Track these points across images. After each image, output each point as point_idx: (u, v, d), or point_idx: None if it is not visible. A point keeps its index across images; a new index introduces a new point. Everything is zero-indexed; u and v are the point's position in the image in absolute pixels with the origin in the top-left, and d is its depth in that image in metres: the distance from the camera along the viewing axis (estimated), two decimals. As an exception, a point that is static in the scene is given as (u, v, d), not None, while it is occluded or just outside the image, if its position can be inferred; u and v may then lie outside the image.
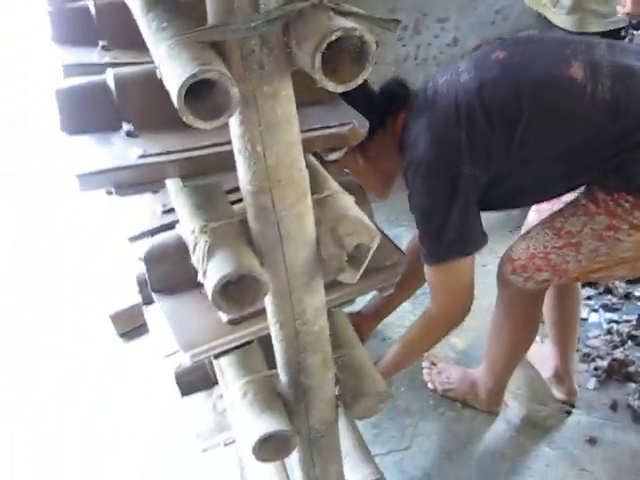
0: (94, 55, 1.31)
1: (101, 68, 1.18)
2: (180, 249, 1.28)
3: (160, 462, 2.10)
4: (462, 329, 2.08)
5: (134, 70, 1.11)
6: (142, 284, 1.58)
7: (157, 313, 1.52)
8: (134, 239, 1.38)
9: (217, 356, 1.15)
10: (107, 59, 1.27)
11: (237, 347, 1.16)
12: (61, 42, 1.38)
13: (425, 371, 2.24)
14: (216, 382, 1.86)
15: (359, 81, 0.79)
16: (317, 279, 0.99)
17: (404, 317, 2.47)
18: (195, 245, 0.95)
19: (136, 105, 1.07)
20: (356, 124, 1.14)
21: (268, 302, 0.99)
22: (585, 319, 2.47)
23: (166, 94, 1.07)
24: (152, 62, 1.14)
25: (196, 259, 0.94)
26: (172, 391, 1.78)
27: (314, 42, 0.75)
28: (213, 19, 0.79)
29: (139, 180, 0.98)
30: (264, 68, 0.81)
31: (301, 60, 0.80)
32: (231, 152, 0.94)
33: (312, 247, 0.96)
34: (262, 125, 0.84)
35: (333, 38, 0.74)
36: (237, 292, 0.92)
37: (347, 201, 1.02)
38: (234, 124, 0.85)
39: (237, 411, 1.12)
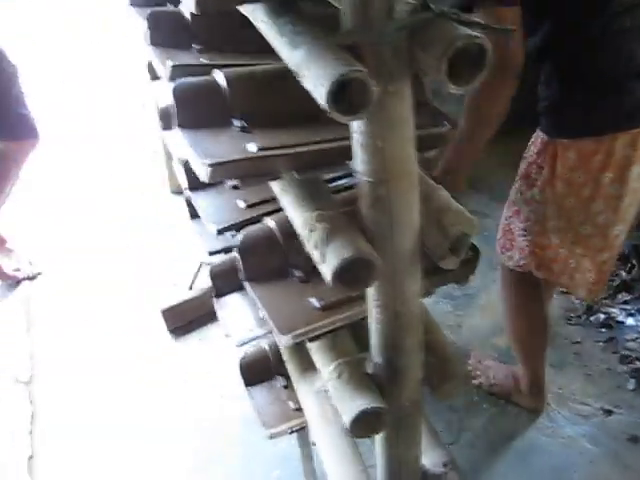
0: (191, 57, 1.40)
1: (203, 69, 1.27)
2: (270, 240, 1.37)
3: (216, 448, 2.18)
4: (504, 331, 2.17)
5: (242, 70, 1.20)
6: (217, 276, 1.67)
7: (236, 302, 1.62)
8: (220, 232, 1.46)
9: (312, 339, 1.23)
10: (205, 61, 1.36)
11: (329, 331, 1.24)
12: (156, 44, 1.47)
13: (471, 367, 2.32)
14: (277, 373, 1.94)
15: (475, 84, 0.88)
16: (417, 265, 1.08)
17: (446, 317, 2.55)
18: (311, 232, 1.04)
19: (246, 103, 1.16)
20: (448, 125, 1.23)
21: (373, 285, 1.07)
22: (622, 322, 2.54)
23: (273, 92, 1.17)
24: (247, 63, 1.24)
25: (313, 245, 1.02)
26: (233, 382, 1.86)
27: (441, 48, 0.84)
28: (350, 25, 0.88)
29: (259, 172, 1.07)
30: (391, 70, 0.90)
31: (425, 64, 0.89)
32: (339, 147, 1.03)
33: (417, 235, 1.04)
34: (384, 122, 0.92)
35: (459, 45, 0.83)
36: (348, 276, 1.01)
37: (446, 195, 1.10)
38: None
39: (333, 390, 1.20)
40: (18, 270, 2.92)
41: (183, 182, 1.81)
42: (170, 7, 1.58)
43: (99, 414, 2.33)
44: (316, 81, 0.84)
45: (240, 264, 1.35)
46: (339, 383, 1.20)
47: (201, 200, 1.59)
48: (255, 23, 1.08)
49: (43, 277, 2.96)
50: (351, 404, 1.15)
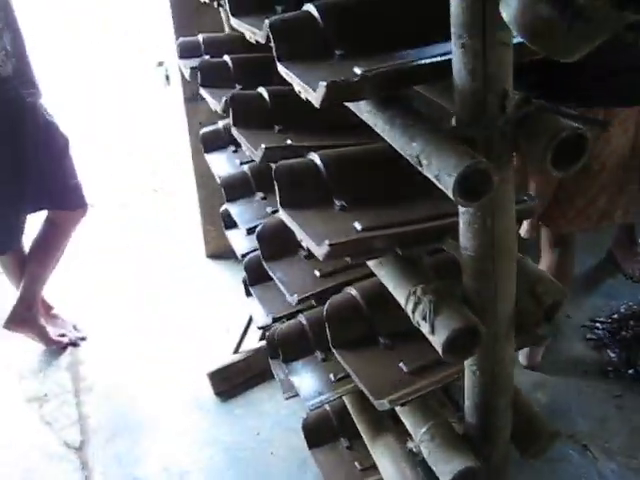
0: (275, 138, 1.51)
1: (294, 150, 1.38)
2: (355, 309, 1.45)
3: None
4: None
5: (337, 152, 1.30)
6: (285, 342, 1.73)
7: (312, 367, 1.68)
8: (301, 301, 1.55)
9: (404, 403, 1.30)
10: (290, 141, 1.47)
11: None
12: (238, 125, 1.58)
13: None
14: (340, 434, 2.00)
15: (576, 168, 0.98)
16: (513, 330, 1.16)
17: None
18: (416, 304, 1.12)
19: (345, 183, 1.25)
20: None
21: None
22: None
23: (370, 172, 1.26)
24: (334, 144, 1.34)
25: (420, 317, 1.10)
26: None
27: (546, 139, 0.94)
28: (465, 117, 0.98)
29: (366, 250, 1.16)
30: (500, 157, 1.00)
31: (530, 152, 0.99)
32: (441, 225, 1.13)
33: (513, 302, 1.13)
34: (494, 202, 1.02)
35: (563, 136, 0.93)
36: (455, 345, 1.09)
37: (533, 264, 1.20)
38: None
39: (428, 453, 1.26)
40: (63, 335, 2.98)
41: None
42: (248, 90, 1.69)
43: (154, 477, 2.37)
44: (441, 171, 0.93)
45: (329, 331, 1.43)
46: (434, 445, 1.26)
47: (277, 268, 1.67)
48: (358, 113, 1.17)
49: (88, 342, 3.01)
50: (448, 466, 1.22)
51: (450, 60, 1.00)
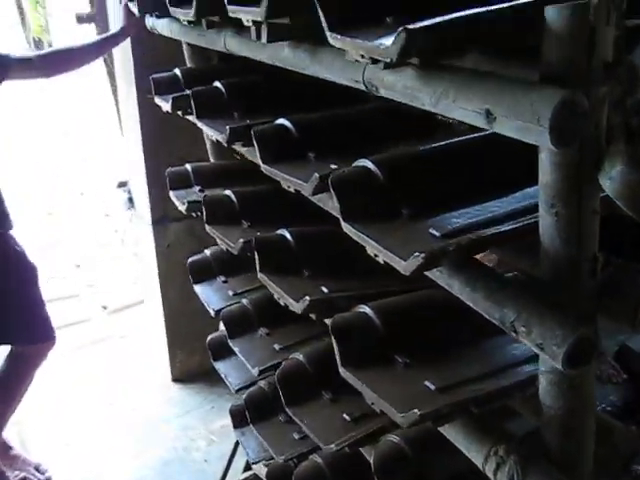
0: (305, 283, 1.48)
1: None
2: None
3: None
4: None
5: (389, 303, 1.28)
6: None
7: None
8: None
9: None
10: (325, 289, 1.43)
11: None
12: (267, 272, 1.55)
13: None
14: None
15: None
16: None
17: None
18: (499, 464, 1.09)
19: (403, 336, 1.23)
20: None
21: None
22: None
23: (426, 322, 1.24)
24: (378, 292, 1.32)
25: (507, 478, 1.07)
26: None
27: (635, 299, 0.95)
28: (554, 282, 0.98)
29: (443, 416, 1.12)
30: (586, 316, 1.00)
31: (617, 311, 1.00)
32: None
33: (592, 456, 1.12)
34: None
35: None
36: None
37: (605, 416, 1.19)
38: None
39: None
40: (25, 479, 2.76)
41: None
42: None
43: None
44: (546, 341, 0.92)
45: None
46: None
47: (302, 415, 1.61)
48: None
49: (54, 482, 2.80)
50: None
51: (532, 223, 1.02)
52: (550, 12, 0.86)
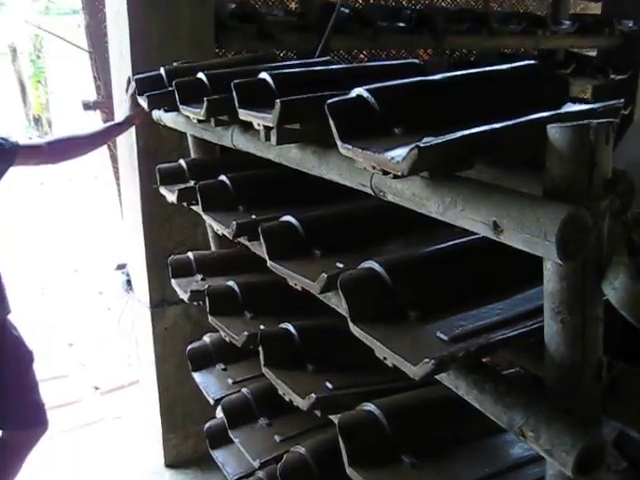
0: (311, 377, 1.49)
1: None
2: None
3: None
4: None
5: (398, 401, 1.29)
6: None
7: None
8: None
9: None
10: (329, 384, 1.44)
11: None
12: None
13: None
14: None
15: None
16: None
17: None
18: None
19: (410, 435, 1.23)
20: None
21: None
22: None
23: (433, 420, 1.25)
24: (380, 388, 1.33)
25: None
26: None
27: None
28: (560, 387, 1.00)
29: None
30: (592, 420, 1.01)
31: (621, 414, 1.01)
32: None
33: None
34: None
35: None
36: None
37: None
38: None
39: None
40: None
41: None
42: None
43: None
44: (554, 447, 0.93)
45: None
46: None
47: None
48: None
49: None
50: None
51: (535, 329, 1.04)
52: (553, 132, 0.90)
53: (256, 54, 2.72)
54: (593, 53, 4.37)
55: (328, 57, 2.08)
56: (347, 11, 3.21)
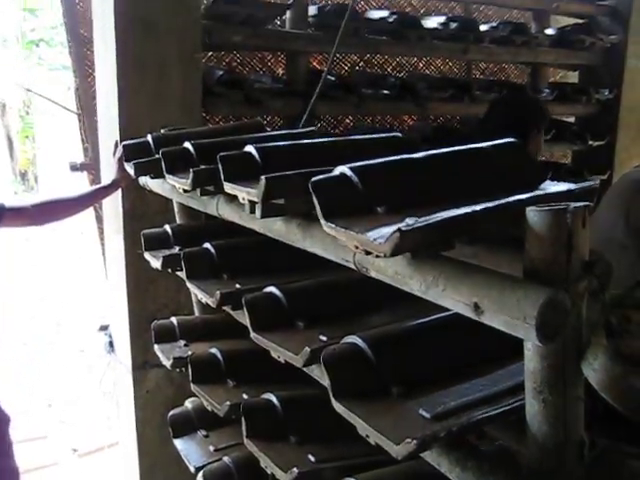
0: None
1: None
2: None
3: None
4: None
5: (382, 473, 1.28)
6: None
7: None
8: None
9: None
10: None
11: None
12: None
13: None
14: None
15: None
16: None
17: None
18: None
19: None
20: None
21: None
22: None
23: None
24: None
25: None
26: None
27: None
28: (541, 466, 1.00)
29: None
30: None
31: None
32: None
33: None
34: None
35: None
36: None
37: None
38: None
39: None
40: None
41: None
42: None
43: None
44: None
45: None
46: None
47: None
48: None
49: None
50: None
51: (517, 407, 1.05)
52: (532, 215, 0.93)
53: (242, 123, 2.77)
54: (571, 119, 4.47)
55: (313, 128, 2.12)
56: (333, 78, 3.28)
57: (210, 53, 3.49)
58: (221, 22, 3.03)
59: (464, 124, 4.10)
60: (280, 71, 3.75)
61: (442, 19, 3.77)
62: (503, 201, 1.02)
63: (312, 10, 3.37)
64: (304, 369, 1.35)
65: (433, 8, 4.42)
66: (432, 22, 3.75)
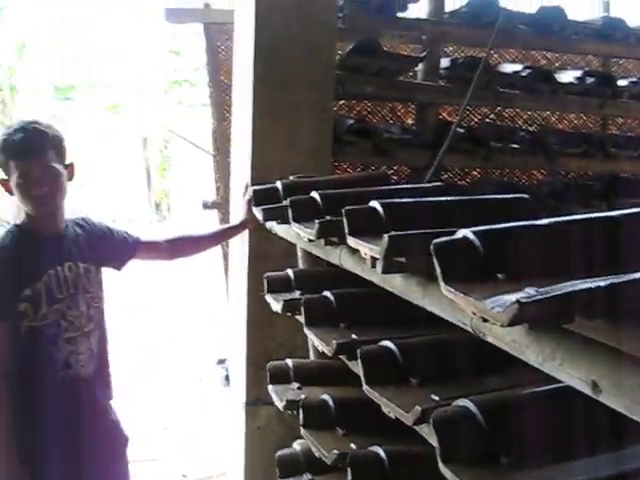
0: None
1: None
2: None
3: None
4: None
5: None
6: None
7: None
8: None
9: None
10: None
11: None
12: None
13: None
14: None
15: None
16: None
17: None
18: None
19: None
20: None
21: None
22: None
23: None
24: None
25: None
26: None
27: None
28: None
29: None
30: None
31: None
32: None
33: None
34: None
35: None
36: None
37: None
38: None
39: None
40: None
41: None
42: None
43: None
44: None
45: None
46: None
47: None
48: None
49: None
50: None
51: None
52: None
53: (369, 173, 2.83)
54: None
55: (440, 182, 2.13)
56: (462, 130, 3.29)
57: (341, 102, 3.60)
58: (355, 73, 3.12)
59: (597, 181, 3.97)
60: (409, 121, 3.79)
61: (578, 73, 3.70)
62: (633, 276, 0.99)
63: (444, 62, 3.42)
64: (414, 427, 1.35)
65: (569, 62, 4.34)
66: (568, 76, 3.70)
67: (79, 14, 15.27)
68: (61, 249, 2.38)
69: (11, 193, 2.30)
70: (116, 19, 15.59)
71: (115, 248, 2.53)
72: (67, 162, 2.35)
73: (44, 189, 2.24)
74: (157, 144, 15.92)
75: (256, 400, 2.99)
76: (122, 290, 6.64)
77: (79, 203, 9.33)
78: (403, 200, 1.56)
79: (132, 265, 2.59)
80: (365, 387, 1.44)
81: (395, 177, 3.47)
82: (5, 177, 2.30)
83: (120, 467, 2.67)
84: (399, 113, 3.85)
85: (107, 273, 2.53)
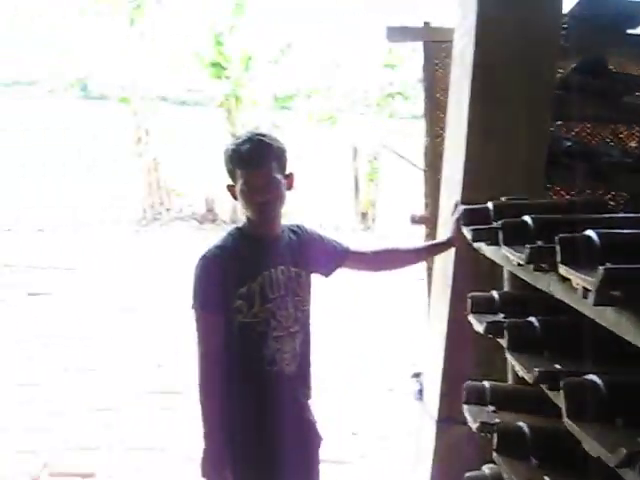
0: None
1: None
2: None
3: None
4: None
5: None
6: None
7: None
8: None
9: None
10: None
11: None
12: None
13: None
14: None
15: None
16: None
17: None
18: None
19: None
20: None
21: None
22: None
23: None
24: None
25: None
26: None
27: None
28: None
29: None
30: None
31: None
32: None
33: None
34: None
35: None
36: None
37: None
38: None
39: None
40: None
41: None
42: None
43: None
44: None
45: None
46: None
47: None
48: None
49: None
50: None
51: None
52: None
53: (585, 199, 2.71)
54: None
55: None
56: (693, 157, 3.06)
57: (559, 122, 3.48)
58: (575, 93, 3.01)
59: None
60: (632, 144, 3.59)
61: None
62: None
63: (677, 83, 3.19)
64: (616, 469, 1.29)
65: None
66: None
67: (300, 29, 16.26)
68: (276, 253, 2.54)
69: (235, 198, 2.51)
70: (335, 35, 16.36)
71: (325, 255, 2.66)
72: (287, 172, 2.52)
73: (265, 197, 2.42)
74: (367, 155, 16.34)
75: (447, 418, 2.98)
76: (331, 297, 6.92)
77: (290, 207, 9.82)
78: (622, 231, 1.50)
79: (341, 273, 2.70)
80: (566, 420, 1.40)
81: (612, 203, 3.29)
82: (232, 183, 2.51)
83: (313, 465, 2.79)
84: (621, 135, 3.64)
85: (316, 279, 2.66)
